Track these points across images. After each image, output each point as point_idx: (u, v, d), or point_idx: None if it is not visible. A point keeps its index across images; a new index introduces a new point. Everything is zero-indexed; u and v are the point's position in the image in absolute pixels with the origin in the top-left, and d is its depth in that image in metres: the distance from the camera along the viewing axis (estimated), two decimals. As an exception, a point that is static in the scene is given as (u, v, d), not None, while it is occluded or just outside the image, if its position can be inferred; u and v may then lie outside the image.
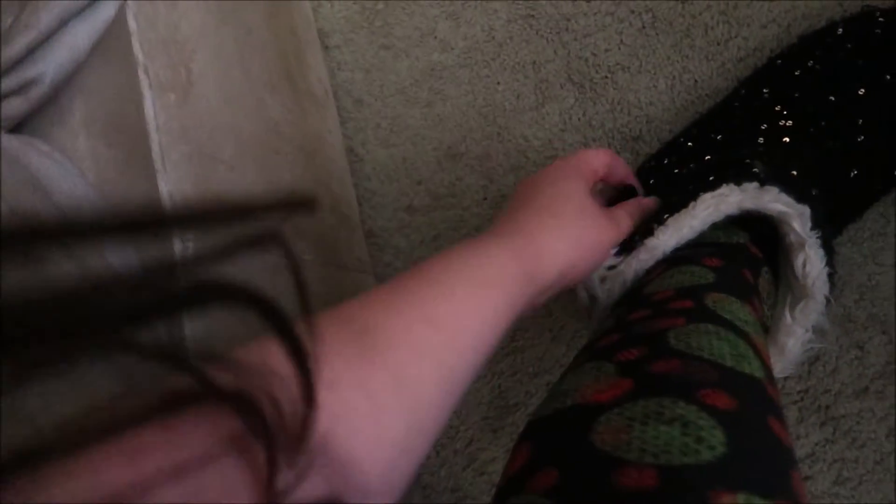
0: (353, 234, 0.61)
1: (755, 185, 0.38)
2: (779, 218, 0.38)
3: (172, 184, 0.38)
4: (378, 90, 0.65)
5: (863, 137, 0.43)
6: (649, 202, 0.43)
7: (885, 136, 0.44)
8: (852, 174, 0.44)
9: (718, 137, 0.46)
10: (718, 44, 0.54)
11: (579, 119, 0.58)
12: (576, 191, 0.37)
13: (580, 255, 0.35)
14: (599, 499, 0.22)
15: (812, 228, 0.37)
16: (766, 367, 0.30)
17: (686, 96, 0.54)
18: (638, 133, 0.56)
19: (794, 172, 0.40)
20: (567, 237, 0.35)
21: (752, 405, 0.26)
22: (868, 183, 0.45)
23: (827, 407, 0.50)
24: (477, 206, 0.61)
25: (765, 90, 0.47)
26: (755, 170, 0.39)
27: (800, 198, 0.37)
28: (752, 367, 0.29)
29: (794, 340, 0.38)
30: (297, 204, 0.20)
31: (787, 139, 0.43)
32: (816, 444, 0.50)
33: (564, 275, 0.35)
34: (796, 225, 0.37)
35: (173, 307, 0.17)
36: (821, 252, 0.37)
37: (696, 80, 0.54)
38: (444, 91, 0.62)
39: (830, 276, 0.38)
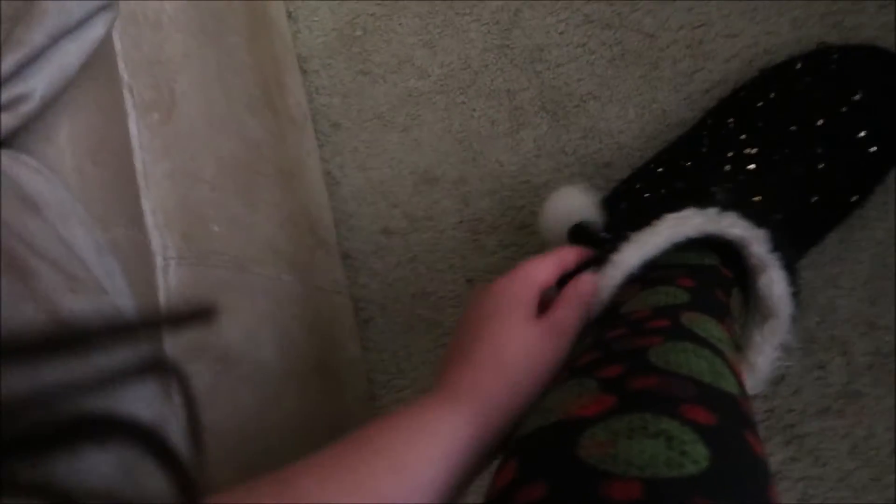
0: (330, 255, 0.61)
1: (716, 210, 0.39)
2: (739, 242, 0.39)
3: (155, 202, 0.38)
4: (356, 114, 0.65)
5: (822, 165, 0.45)
6: (586, 286, 0.40)
7: (841, 164, 0.47)
8: (813, 200, 0.46)
9: (687, 164, 0.48)
10: (685, 76, 0.56)
11: (552, 145, 0.59)
12: (517, 329, 0.36)
13: (532, 391, 0.35)
14: None
15: (772, 251, 0.39)
16: (741, 384, 0.32)
17: (655, 125, 0.56)
18: (609, 160, 0.57)
19: (758, 198, 0.42)
20: (515, 385, 0.34)
21: (730, 420, 0.27)
22: (828, 209, 0.47)
23: (791, 426, 0.52)
24: (452, 230, 0.62)
25: (730, 120, 0.49)
26: (717, 196, 0.40)
27: (759, 223, 0.39)
28: (729, 384, 0.30)
29: (763, 358, 0.40)
30: (194, 315, 0.20)
31: (751, 166, 0.45)
32: (782, 463, 0.52)
33: (520, 409, 0.34)
34: (755, 248, 0.39)
35: (46, 444, 0.15)
36: (782, 273, 0.39)
37: (664, 110, 0.56)
38: (420, 116, 0.63)
39: (795, 295, 0.39)
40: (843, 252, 0.51)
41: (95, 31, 0.31)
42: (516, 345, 0.36)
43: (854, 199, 0.48)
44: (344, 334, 0.59)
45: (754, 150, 0.46)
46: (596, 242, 0.44)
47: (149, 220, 0.37)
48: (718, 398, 0.28)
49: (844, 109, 0.47)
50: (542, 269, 0.40)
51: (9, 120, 0.28)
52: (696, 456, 0.24)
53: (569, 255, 0.42)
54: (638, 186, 0.50)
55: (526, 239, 0.60)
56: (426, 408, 0.33)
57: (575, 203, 0.47)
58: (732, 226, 0.39)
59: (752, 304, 0.41)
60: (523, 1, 0.60)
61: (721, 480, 0.24)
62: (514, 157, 0.60)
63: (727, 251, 0.41)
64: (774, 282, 0.38)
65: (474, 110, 0.62)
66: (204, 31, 0.48)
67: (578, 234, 0.45)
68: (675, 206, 0.40)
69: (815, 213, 0.47)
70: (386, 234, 0.64)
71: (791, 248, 0.43)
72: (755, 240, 0.39)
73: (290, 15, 0.67)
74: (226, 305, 0.41)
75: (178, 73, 0.44)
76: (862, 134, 0.47)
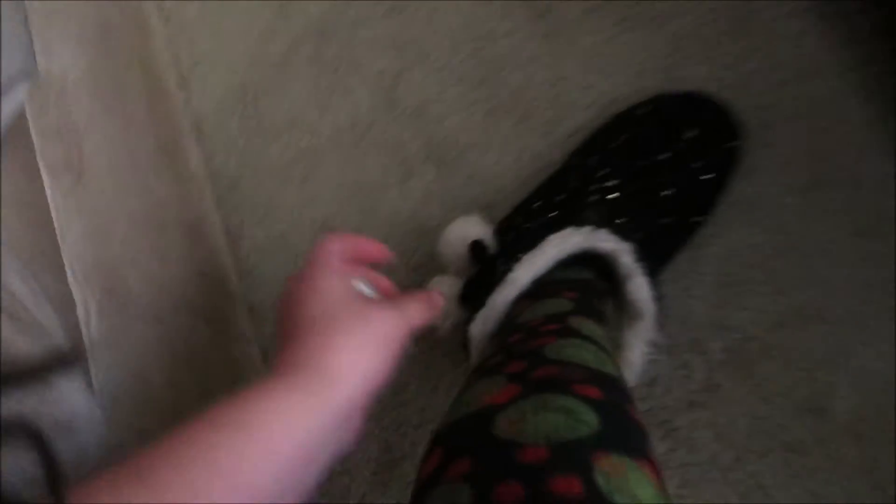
0: (237, 308, 0.63)
1: (590, 228, 0.46)
2: (610, 254, 0.46)
3: (73, 258, 0.40)
4: (252, 173, 0.69)
5: (668, 192, 0.54)
6: (438, 298, 0.45)
7: (683, 191, 0.55)
8: (664, 221, 0.54)
9: (560, 197, 0.55)
10: (551, 124, 0.64)
11: (440, 191, 0.65)
12: (338, 293, 0.37)
13: (376, 356, 0.35)
14: (506, 474, 0.27)
15: (637, 261, 0.46)
16: (620, 370, 0.38)
17: (529, 168, 0.64)
18: (491, 201, 0.64)
19: (621, 220, 0.49)
20: (357, 347, 0.34)
21: (615, 395, 0.33)
22: (677, 229, 0.56)
23: (666, 421, 0.59)
24: (353, 274, 0.66)
25: (592, 158, 0.57)
26: (590, 219, 0.47)
27: (624, 238, 0.46)
28: (611, 369, 0.36)
29: (634, 354, 0.46)
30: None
31: (613, 195, 0.53)
32: (663, 454, 0.58)
33: (371, 379, 0.34)
34: (624, 259, 0.46)
35: None
36: (646, 280, 0.46)
37: (535, 154, 0.64)
38: (315, 171, 0.68)
39: (659, 299, 0.47)
40: (693, 266, 0.60)
41: (19, 96, 0.33)
42: (344, 307, 0.36)
43: (697, 220, 0.57)
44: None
45: (614, 183, 0.54)
46: (490, 260, 0.50)
47: (69, 275, 0.39)
48: (603, 379, 0.34)
49: (682, 145, 0.56)
50: (332, 244, 0.41)
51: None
52: (590, 422, 0.29)
53: (353, 241, 0.44)
54: (519, 220, 0.56)
55: (421, 278, 0.65)
56: (266, 386, 0.32)
57: (472, 229, 0.53)
58: (604, 240, 0.46)
59: (623, 308, 0.48)
60: (405, 62, 0.67)
61: (611, 437, 0.29)
62: (405, 204, 0.66)
63: (601, 267, 0.48)
64: (639, 287, 0.45)
65: (366, 163, 0.67)
66: (106, 98, 0.50)
67: (477, 249, 0.51)
68: (556, 229, 0.47)
69: (668, 233, 0.55)
70: (289, 282, 0.66)
71: (651, 261, 0.50)
72: (623, 252, 0.46)
73: (182, 82, 0.70)
74: (147, 354, 0.42)
75: (85, 138, 0.46)
76: (697, 164, 0.56)
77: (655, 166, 0.55)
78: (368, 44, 0.68)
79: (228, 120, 0.69)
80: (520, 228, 0.54)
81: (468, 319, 0.52)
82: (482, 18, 0.66)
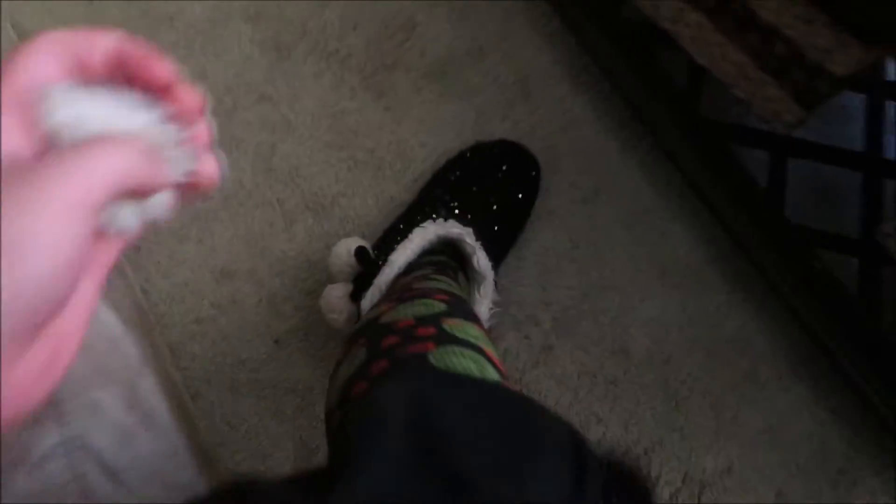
0: (158, 350, 0.72)
1: (442, 220, 0.65)
2: (457, 238, 0.65)
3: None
4: (152, 236, 0.79)
5: (495, 207, 0.74)
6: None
7: (505, 206, 0.76)
8: (496, 228, 0.74)
9: (418, 219, 0.73)
10: (399, 173, 0.83)
11: (320, 232, 0.81)
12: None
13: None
14: (388, 331, 0.43)
15: (476, 240, 0.64)
16: (500, 370, 0.44)
17: (388, 206, 0.81)
18: (363, 234, 0.80)
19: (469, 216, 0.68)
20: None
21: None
22: (506, 233, 0.76)
23: (519, 379, 0.76)
24: (255, 307, 0.78)
25: (436, 190, 0.76)
26: (443, 215, 0.66)
27: (465, 225, 0.65)
28: (492, 374, 0.43)
29: (483, 309, 0.64)
30: None
31: (456, 211, 0.72)
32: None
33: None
34: (468, 239, 0.64)
35: None
36: (484, 254, 0.64)
37: (391, 196, 0.82)
38: (210, 229, 0.80)
39: (495, 268, 0.65)
40: (519, 263, 0.80)
41: None
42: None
43: (518, 225, 0.78)
44: (186, 412, 0.70)
45: (456, 204, 0.74)
46: (373, 260, 0.66)
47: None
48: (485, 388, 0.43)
49: (499, 175, 0.77)
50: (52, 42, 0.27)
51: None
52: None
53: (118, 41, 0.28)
54: (388, 238, 0.73)
55: (313, 301, 0.78)
56: None
57: (354, 243, 0.69)
58: (453, 227, 0.64)
59: (471, 276, 0.66)
60: (278, 136, 0.83)
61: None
62: (292, 245, 0.80)
63: (452, 252, 0.66)
64: (480, 258, 0.64)
65: (254, 218, 0.81)
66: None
67: (361, 253, 0.66)
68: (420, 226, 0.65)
69: (502, 236, 0.75)
70: (198, 322, 0.77)
71: (490, 255, 0.69)
72: (466, 234, 0.64)
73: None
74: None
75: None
76: (511, 187, 0.77)
77: (483, 191, 0.75)
78: (245, 124, 0.83)
79: (124, 196, 0.80)
80: (390, 243, 0.71)
81: (358, 311, 0.66)
82: (334, 100, 0.84)
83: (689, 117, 0.75)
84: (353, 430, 0.37)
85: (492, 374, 0.42)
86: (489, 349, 0.46)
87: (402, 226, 0.75)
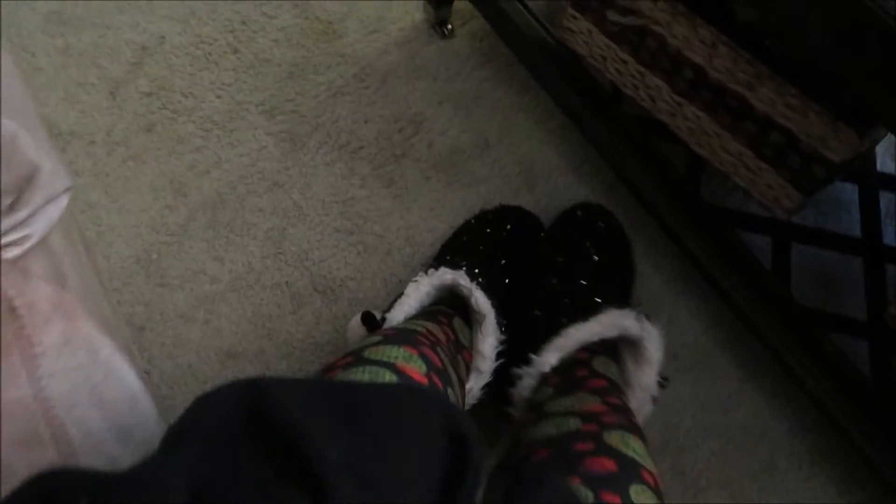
0: (154, 435, 0.69)
1: (432, 270, 0.65)
2: (452, 283, 0.64)
3: None
4: (159, 317, 0.79)
5: (503, 262, 0.74)
6: None
7: (513, 261, 0.76)
8: (506, 282, 0.73)
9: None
10: (409, 257, 0.83)
11: (328, 315, 0.80)
12: None
13: None
14: None
15: (472, 281, 0.64)
16: (404, 374, 0.48)
17: (398, 289, 0.81)
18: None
19: (482, 279, 0.68)
20: None
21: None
22: (515, 286, 0.75)
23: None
24: (259, 390, 0.76)
25: (447, 257, 0.76)
26: (441, 263, 0.67)
27: (457, 268, 0.66)
28: (386, 379, 0.47)
29: (486, 347, 0.63)
30: None
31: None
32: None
33: None
34: (461, 282, 0.63)
35: None
36: (482, 294, 0.63)
37: (400, 279, 0.82)
38: (217, 310, 0.79)
39: (498, 308, 0.64)
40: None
41: (62, 202, 0.45)
42: None
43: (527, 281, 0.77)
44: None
45: (465, 264, 0.73)
46: (378, 324, 0.65)
47: None
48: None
49: (503, 234, 0.78)
50: None
51: (15, 251, 0.40)
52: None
53: None
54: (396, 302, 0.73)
55: (320, 385, 0.76)
56: None
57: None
58: (444, 273, 0.65)
59: (473, 318, 0.65)
60: (289, 221, 0.84)
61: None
62: (300, 328, 0.79)
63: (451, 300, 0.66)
64: (478, 298, 0.63)
65: (262, 300, 0.80)
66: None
67: (367, 318, 0.65)
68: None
69: (508, 287, 0.74)
70: (200, 405, 0.74)
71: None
72: (460, 277, 0.64)
73: (88, 248, 0.81)
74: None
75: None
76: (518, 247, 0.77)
77: (492, 248, 0.76)
78: (257, 210, 0.84)
79: (133, 278, 0.80)
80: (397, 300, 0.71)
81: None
82: (345, 188, 0.87)
83: (691, 203, 0.77)
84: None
85: (388, 379, 0.44)
86: (408, 365, 0.48)
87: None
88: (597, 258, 0.76)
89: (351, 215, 0.85)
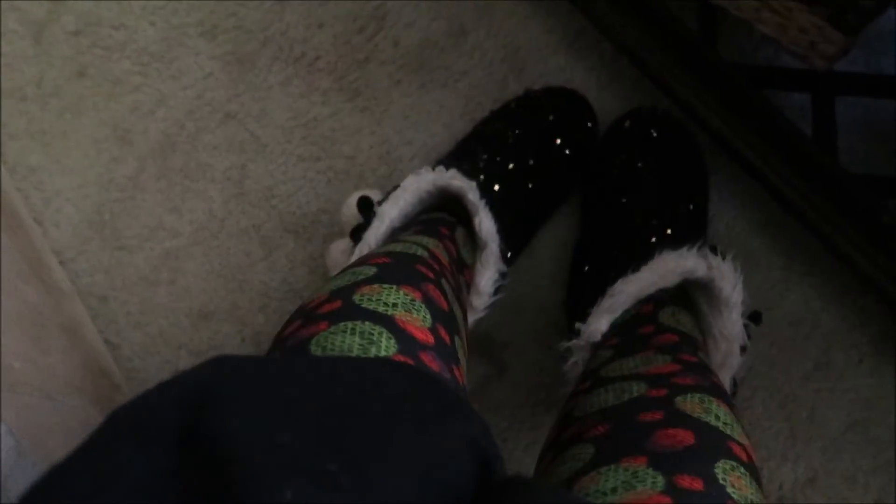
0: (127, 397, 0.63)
1: (441, 167, 0.53)
2: (457, 192, 0.53)
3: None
4: (121, 284, 0.71)
5: (532, 161, 0.63)
6: None
7: (547, 163, 0.64)
8: (530, 185, 0.62)
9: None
10: (385, 178, 0.72)
11: (302, 257, 0.71)
12: None
13: None
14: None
15: (481, 198, 0.52)
16: (398, 341, 0.37)
17: (375, 217, 0.71)
18: (350, 253, 0.70)
19: (490, 172, 0.57)
20: None
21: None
22: (540, 196, 0.64)
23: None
24: (238, 349, 0.68)
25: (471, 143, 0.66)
26: (442, 163, 0.55)
27: (471, 176, 0.53)
28: (381, 350, 0.36)
29: (483, 280, 0.53)
30: None
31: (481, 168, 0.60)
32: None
33: None
34: (470, 196, 0.52)
35: None
36: (489, 214, 0.52)
37: (378, 206, 0.72)
38: (182, 268, 0.71)
39: (500, 233, 0.53)
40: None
41: None
42: None
43: (557, 194, 0.66)
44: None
45: (485, 157, 0.62)
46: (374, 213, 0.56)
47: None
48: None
49: (544, 125, 0.65)
50: None
51: None
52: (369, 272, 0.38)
53: None
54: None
55: (303, 336, 0.68)
56: None
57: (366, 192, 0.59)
58: (452, 178, 0.53)
59: (474, 239, 0.55)
60: (247, 156, 0.74)
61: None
62: (274, 275, 0.70)
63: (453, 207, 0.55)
64: (483, 220, 0.52)
65: (229, 249, 0.71)
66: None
67: (362, 203, 0.56)
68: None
69: (531, 196, 0.63)
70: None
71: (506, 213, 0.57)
72: (469, 189, 0.53)
73: (38, 218, 0.72)
74: (42, 426, 0.43)
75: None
76: (558, 141, 0.65)
77: (521, 144, 0.64)
78: (211, 149, 0.74)
79: (88, 244, 0.72)
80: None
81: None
82: (305, 108, 0.75)
83: (709, 65, 0.62)
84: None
85: (382, 350, 0.35)
86: (410, 316, 0.39)
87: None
88: (652, 180, 0.62)
89: (315, 139, 0.74)
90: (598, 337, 0.52)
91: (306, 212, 0.72)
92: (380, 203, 0.57)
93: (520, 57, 0.74)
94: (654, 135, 0.65)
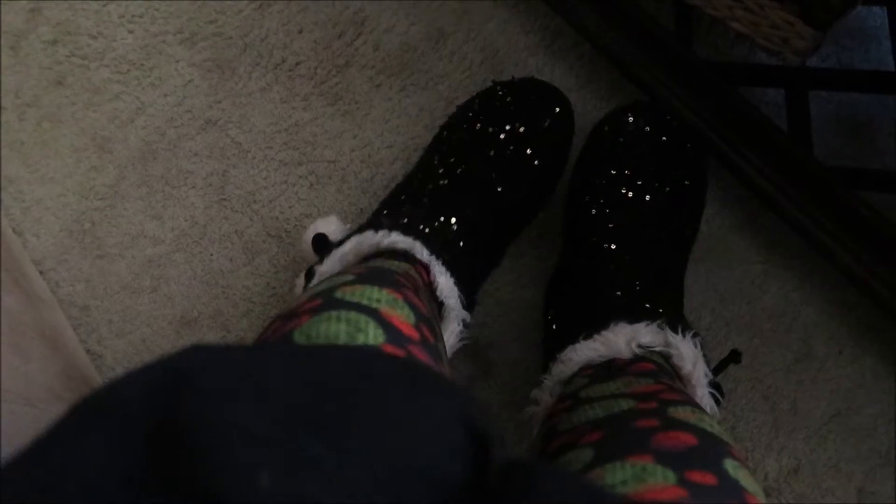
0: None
1: (386, 232, 0.50)
2: (407, 251, 0.50)
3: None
4: (102, 292, 0.70)
5: (500, 187, 0.59)
6: None
7: (511, 181, 0.60)
8: (495, 211, 0.59)
9: (402, 198, 0.61)
10: (367, 181, 0.72)
11: (286, 260, 0.70)
12: None
13: None
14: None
15: (431, 254, 0.50)
16: (386, 330, 0.37)
17: (360, 220, 0.70)
18: (333, 256, 0.70)
19: (442, 217, 0.54)
20: None
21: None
22: (511, 217, 0.61)
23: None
24: (222, 355, 0.68)
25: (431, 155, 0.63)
26: (382, 221, 0.52)
27: (414, 236, 0.50)
28: (368, 338, 0.35)
29: (447, 334, 0.51)
30: None
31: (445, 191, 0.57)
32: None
33: None
34: (418, 256, 0.50)
35: None
36: (443, 269, 0.50)
37: (361, 209, 0.72)
38: (165, 275, 0.70)
39: (470, 302, 0.51)
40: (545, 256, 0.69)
41: None
42: None
43: (530, 209, 0.63)
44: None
45: (446, 181, 0.59)
46: (329, 247, 0.54)
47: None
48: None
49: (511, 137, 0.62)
50: None
51: None
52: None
53: None
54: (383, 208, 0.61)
55: (288, 340, 0.68)
56: None
57: (324, 225, 0.57)
58: (395, 241, 0.50)
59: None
60: (229, 162, 0.73)
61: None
62: (257, 280, 0.70)
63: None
64: (437, 277, 0.50)
65: (212, 255, 0.71)
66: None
67: (318, 241, 0.55)
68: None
69: (498, 220, 0.59)
70: (161, 381, 0.67)
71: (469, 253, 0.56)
72: (416, 251, 0.50)
73: (17, 228, 0.72)
74: (23, 433, 0.43)
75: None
76: (528, 152, 0.60)
77: (480, 148, 0.61)
78: (192, 155, 0.74)
79: (68, 253, 0.71)
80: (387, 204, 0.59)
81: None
82: (286, 113, 0.75)
83: (683, 63, 0.63)
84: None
85: (370, 338, 0.34)
86: (395, 312, 0.37)
87: (385, 211, 0.61)
88: (631, 194, 0.58)
89: (297, 143, 0.74)
90: (550, 396, 0.51)
91: (289, 216, 0.72)
92: (338, 244, 0.55)
93: (499, 59, 0.75)
94: (647, 129, 0.61)
